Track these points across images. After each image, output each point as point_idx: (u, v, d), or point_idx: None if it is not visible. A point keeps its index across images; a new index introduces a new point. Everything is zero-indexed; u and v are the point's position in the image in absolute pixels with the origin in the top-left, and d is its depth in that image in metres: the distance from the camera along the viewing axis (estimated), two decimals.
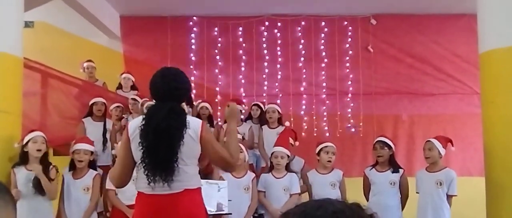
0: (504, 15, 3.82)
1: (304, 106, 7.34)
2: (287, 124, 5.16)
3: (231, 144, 2.59)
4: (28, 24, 6.94)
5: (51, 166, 3.90)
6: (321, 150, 4.38)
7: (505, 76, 3.81)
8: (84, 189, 4.05)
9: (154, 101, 2.56)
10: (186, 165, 2.45)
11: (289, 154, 4.37)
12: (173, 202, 2.42)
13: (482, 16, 4.05)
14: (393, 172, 4.38)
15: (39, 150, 3.81)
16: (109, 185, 4.08)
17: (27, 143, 3.81)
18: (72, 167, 4.13)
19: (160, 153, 2.36)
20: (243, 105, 6.14)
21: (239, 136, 4.81)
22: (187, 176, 2.45)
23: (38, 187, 3.71)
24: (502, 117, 3.82)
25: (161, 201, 2.43)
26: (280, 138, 4.58)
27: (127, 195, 3.91)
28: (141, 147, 2.39)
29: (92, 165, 4.20)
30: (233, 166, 2.62)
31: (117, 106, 5.64)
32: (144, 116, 2.45)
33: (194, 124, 2.47)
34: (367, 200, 4.48)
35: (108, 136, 5.29)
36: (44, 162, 3.86)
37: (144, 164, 2.40)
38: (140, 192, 2.50)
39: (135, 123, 2.49)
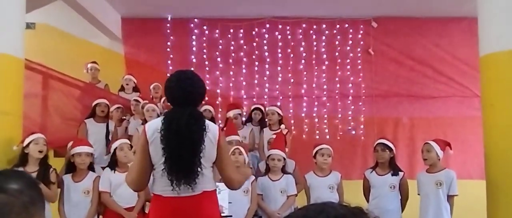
0: (504, 18, 3.83)
1: (304, 109, 7.34)
2: (282, 126, 5.19)
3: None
4: (29, 26, 6.95)
5: (51, 169, 3.91)
6: (317, 152, 4.42)
7: (505, 80, 3.82)
8: (84, 192, 4.02)
9: (160, 105, 2.58)
10: (205, 168, 2.48)
11: (285, 156, 4.40)
12: (194, 203, 2.46)
13: (482, 20, 4.06)
14: (393, 175, 4.39)
15: (40, 151, 3.82)
16: (103, 187, 4.05)
17: (28, 144, 3.81)
18: (70, 169, 4.11)
19: (184, 158, 2.38)
20: (244, 108, 6.15)
21: (239, 138, 4.83)
22: (206, 178, 2.49)
23: None
24: (502, 119, 3.82)
25: (183, 203, 2.45)
26: (275, 141, 4.60)
27: (123, 198, 3.91)
28: (163, 152, 2.40)
29: (91, 167, 4.18)
30: (234, 187, 2.68)
31: (118, 108, 5.65)
32: (162, 121, 2.44)
33: (212, 129, 2.50)
34: (367, 202, 4.49)
35: (110, 137, 5.29)
36: (44, 164, 3.86)
37: (167, 169, 2.40)
38: (157, 194, 2.50)
39: (153, 126, 2.48)
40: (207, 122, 2.49)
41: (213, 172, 2.59)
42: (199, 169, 2.41)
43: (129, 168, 2.66)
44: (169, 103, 2.62)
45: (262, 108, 5.74)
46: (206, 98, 6.89)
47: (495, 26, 3.90)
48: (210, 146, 2.47)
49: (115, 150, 4.12)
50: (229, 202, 3.79)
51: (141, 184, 2.55)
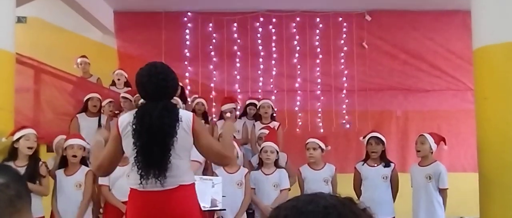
0: (497, 11, 3.84)
1: (298, 103, 7.33)
2: (277, 124, 5.21)
3: (225, 140, 2.67)
4: (20, 20, 6.88)
5: (40, 163, 3.88)
6: (306, 147, 4.44)
7: (498, 73, 3.83)
8: (76, 186, 4.01)
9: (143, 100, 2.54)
10: (180, 159, 2.44)
11: (278, 149, 4.39)
12: (167, 198, 2.42)
13: (475, 13, 4.06)
14: (385, 167, 4.41)
15: (30, 148, 3.79)
16: (102, 180, 4.05)
17: (18, 139, 3.78)
18: (63, 164, 4.09)
19: (154, 152, 2.35)
20: (238, 103, 6.14)
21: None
22: (180, 171, 2.45)
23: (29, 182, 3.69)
24: (495, 112, 3.84)
25: (155, 197, 2.42)
26: (268, 135, 4.61)
27: (122, 191, 3.90)
28: (134, 147, 2.37)
29: (83, 161, 4.16)
30: (226, 159, 2.62)
31: (110, 102, 5.62)
32: (135, 114, 2.41)
33: (186, 117, 2.47)
34: (357, 195, 4.51)
35: None
36: (34, 159, 3.83)
37: (137, 162, 2.38)
38: (133, 188, 2.49)
39: (125, 119, 2.46)
40: (181, 112, 2.47)
41: (190, 163, 2.55)
42: (170, 161, 2.39)
43: (97, 154, 2.62)
44: (142, 99, 2.60)
45: (257, 103, 5.74)
46: (199, 92, 6.98)
47: (488, 20, 3.91)
48: (184, 134, 2.44)
49: None
50: (223, 196, 3.78)
51: (105, 171, 2.63)
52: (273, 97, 6.94)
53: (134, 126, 2.38)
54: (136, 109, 2.50)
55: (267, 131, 4.80)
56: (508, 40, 3.78)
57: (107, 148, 2.55)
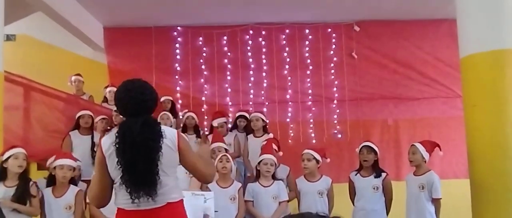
0: (483, 20, 3.89)
1: (290, 114, 7.35)
2: (271, 135, 5.21)
3: (204, 159, 2.61)
4: (9, 37, 6.86)
5: (31, 182, 3.82)
6: (302, 158, 4.45)
7: (485, 80, 3.87)
8: (66, 208, 3.93)
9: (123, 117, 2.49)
10: (167, 176, 2.40)
11: (276, 161, 4.38)
12: (156, 216, 2.38)
13: (461, 22, 4.11)
14: (376, 177, 4.43)
15: (20, 167, 3.74)
16: None
17: (7, 159, 3.73)
18: (51, 182, 4.03)
19: (140, 168, 2.30)
20: (229, 116, 6.14)
21: (226, 146, 4.80)
22: (168, 188, 2.41)
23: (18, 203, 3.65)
24: (484, 119, 3.87)
25: (145, 216, 2.38)
26: (266, 147, 4.59)
27: (110, 209, 3.84)
28: (119, 165, 2.33)
29: (72, 181, 4.10)
30: (209, 177, 2.60)
31: (103, 119, 5.59)
32: (116, 134, 2.38)
33: (170, 134, 2.43)
34: (353, 203, 4.51)
35: (96, 149, 5.21)
36: (24, 179, 3.78)
37: (124, 182, 2.34)
38: (120, 208, 2.43)
39: (108, 140, 2.41)
40: (163, 128, 2.42)
41: (177, 180, 2.52)
42: (158, 178, 2.33)
43: (90, 184, 2.56)
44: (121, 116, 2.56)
45: (247, 115, 5.74)
46: (190, 106, 6.98)
47: (474, 28, 3.96)
48: (170, 152, 2.39)
49: None
50: (216, 211, 3.75)
51: (102, 201, 2.47)
52: (264, 109, 6.96)
53: (117, 145, 2.34)
54: (117, 129, 2.46)
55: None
56: (493, 49, 3.84)
57: (95, 174, 2.48)
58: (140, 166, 2.29)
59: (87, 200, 3.94)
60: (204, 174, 2.53)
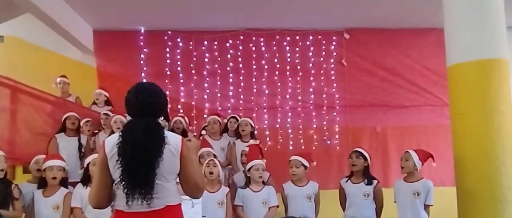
0: (469, 30, 3.96)
1: (279, 120, 7.36)
2: (257, 141, 5.23)
3: (200, 176, 2.58)
4: None
5: (13, 185, 3.79)
6: (290, 164, 4.47)
7: (472, 89, 3.93)
8: (53, 207, 3.93)
9: (128, 117, 2.49)
10: (167, 182, 2.40)
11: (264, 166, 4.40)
12: None
13: (448, 31, 4.18)
14: (366, 184, 4.44)
15: (1, 170, 3.70)
16: (74, 202, 3.96)
17: None
18: (42, 184, 4.00)
19: (139, 170, 2.29)
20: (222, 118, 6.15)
21: (213, 151, 4.79)
22: (168, 192, 2.41)
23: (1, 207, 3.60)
24: (471, 127, 3.92)
25: None
26: (252, 153, 4.55)
27: (95, 213, 3.82)
28: (119, 165, 2.33)
29: (63, 182, 4.08)
30: (200, 192, 2.56)
31: (87, 121, 5.56)
32: (120, 133, 2.39)
33: (174, 140, 2.42)
34: (343, 209, 4.52)
35: (83, 150, 5.17)
36: (5, 182, 3.74)
37: (123, 182, 2.34)
38: (118, 210, 2.42)
39: (112, 140, 2.41)
40: (167, 133, 2.42)
41: (177, 185, 2.50)
42: (157, 182, 2.33)
43: (92, 185, 2.54)
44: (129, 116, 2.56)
45: (238, 117, 5.76)
46: (181, 110, 6.96)
47: (461, 38, 4.02)
48: (172, 158, 2.39)
49: (88, 165, 4.03)
50: (203, 216, 3.74)
51: (102, 201, 2.44)
52: (254, 115, 6.97)
53: (119, 144, 2.35)
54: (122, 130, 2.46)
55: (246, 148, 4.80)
56: (480, 58, 3.90)
57: (96, 174, 2.46)
58: (139, 168, 2.29)
59: (72, 204, 3.94)
60: (199, 187, 2.50)
